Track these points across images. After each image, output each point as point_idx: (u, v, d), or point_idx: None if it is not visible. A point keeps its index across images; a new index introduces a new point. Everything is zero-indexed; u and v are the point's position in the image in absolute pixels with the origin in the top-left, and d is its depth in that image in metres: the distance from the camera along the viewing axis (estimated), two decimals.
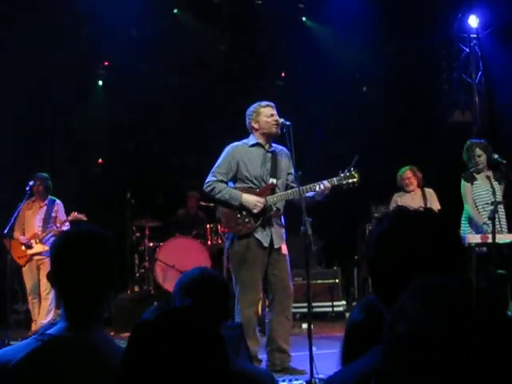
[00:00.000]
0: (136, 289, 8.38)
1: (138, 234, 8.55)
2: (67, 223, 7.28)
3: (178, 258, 7.70)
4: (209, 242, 8.39)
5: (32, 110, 8.83)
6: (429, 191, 7.25)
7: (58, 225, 7.28)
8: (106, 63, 9.62)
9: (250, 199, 4.96)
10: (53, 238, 7.18)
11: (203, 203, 8.76)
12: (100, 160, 10.27)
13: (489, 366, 0.96)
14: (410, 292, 1.07)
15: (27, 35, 8.28)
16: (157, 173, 9.74)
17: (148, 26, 8.79)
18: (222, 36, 9.60)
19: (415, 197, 7.18)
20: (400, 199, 7.25)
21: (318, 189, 4.86)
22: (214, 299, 2.06)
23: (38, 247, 7.21)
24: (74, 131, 9.10)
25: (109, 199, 9.18)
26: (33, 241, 7.22)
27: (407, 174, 7.27)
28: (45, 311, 7.08)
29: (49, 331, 1.81)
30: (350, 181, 4.97)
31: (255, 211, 4.94)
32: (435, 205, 7.03)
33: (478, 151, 6.14)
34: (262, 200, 4.96)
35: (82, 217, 7.22)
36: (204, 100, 9.59)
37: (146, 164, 9.66)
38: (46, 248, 7.09)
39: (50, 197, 7.41)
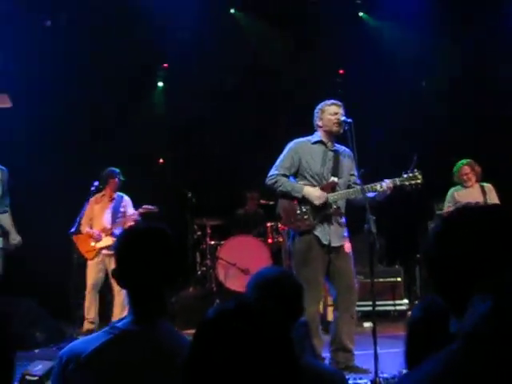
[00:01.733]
0: (198, 287, 8.47)
1: (199, 233, 8.65)
2: (137, 216, 7.34)
3: (239, 257, 7.77)
4: (269, 240, 8.41)
5: (95, 111, 9.05)
6: (488, 186, 6.98)
7: (127, 217, 7.35)
8: (166, 65, 9.76)
9: (312, 192, 4.97)
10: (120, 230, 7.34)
11: (263, 201, 8.80)
12: (161, 160, 10.44)
13: None
14: None
15: (89, 36, 8.52)
16: (217, 172, 9.82)
17: (205, 27, 8.87)
18: (280, 35, 9.59)
19: (474, 192, 6.91)
20: (457, 194, 7.04)
21: (379, 188, 4.83)
22: (288, 299, 2.06)
23: (107, 240, 7.25)
24: (135, 131, 9.26)
25: (170, 198, 9.31)
26: (102, 234, 7.29)
27: (465, 169, 7.03)
28: (120, 307, 7.11)
29: (117, 324, 1.87)
30: (413, 182, 4.89)
31: (317, 203, 4.93)
32: (494, 201, 6.79)
33: None
34: (324, 194, 4.95)
35: (154, 208, 7.30)
36: (263, 100, 9.61)
37: (207, 163, 9.75)
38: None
39: (117, 192, 7.51)
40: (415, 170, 4.90)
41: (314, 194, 4.96)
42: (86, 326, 7.15)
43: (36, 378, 4.78)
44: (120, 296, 7.15)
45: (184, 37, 8.89)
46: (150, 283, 1.87)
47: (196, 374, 1.21)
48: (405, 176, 4.89)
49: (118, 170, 7.41)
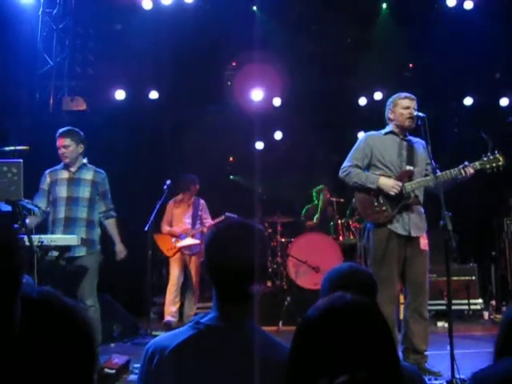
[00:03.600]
0: (269, 284, 8.51)
1: (269, 230, 8.69)
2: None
3: (309, 254, 7.76)
4: (340, 238, 8.36)
5: (167, 111, 9.23)
6: None
7: (205, 223, 7.60)
8: (234, 63, 9.83)
9: (387, 182, 4.86)
10: (199, 235, 7.55)
11: (333, 198, 8.76)
12: (231, 158, 10.54)
13: None
14: None
15: (157, 39, 8.69)
16: (287, 169, 9.83)
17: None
18: (344, 29, 9.48)
19: None
20: None
21: (459, 174, 4.69)
22: (362, 292, 2.04)
23: (189, 240, 7.53)
24: (205, 130, 9.38)
25: (240, 196, 9.39)
26: (188, 233, 7.56)
27: None
28: (192, 303, 7.47)
29: (202, 320, 1.88)
30: (495, 164, 4.70)
31: (392, 193, 4.83)
32: None
33: None
34: (399, 183, 4.84)
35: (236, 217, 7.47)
36: (332, 94, 9.55)
37: (276, 161, 9.77)
38: (197, 241, 7.45)
39: (194, 196, 7.76)
40: (496, 152, 4.72)
41: (389, 183, 4.85)
42: (168, 317, 7.33)
43: (113, 371, 4.94)
44: (193, 292, 7.37)
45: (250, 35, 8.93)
46: (239, 280, 1.86)
47: (302, 373, 1.22)
48: (485, 159, 4.72)
49: (197, 177, 7.64)
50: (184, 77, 8.92)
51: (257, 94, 9.41)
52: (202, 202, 7.75)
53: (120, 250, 5.80)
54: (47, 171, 5.54)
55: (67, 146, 5.43)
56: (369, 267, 5.00)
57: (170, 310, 7.40)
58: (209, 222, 7.59)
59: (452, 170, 4.73)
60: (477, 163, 4.73)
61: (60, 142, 5.44)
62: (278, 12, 8.97)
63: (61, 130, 5.47)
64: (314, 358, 1.20)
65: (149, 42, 8.51)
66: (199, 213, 7.67)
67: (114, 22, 8.92)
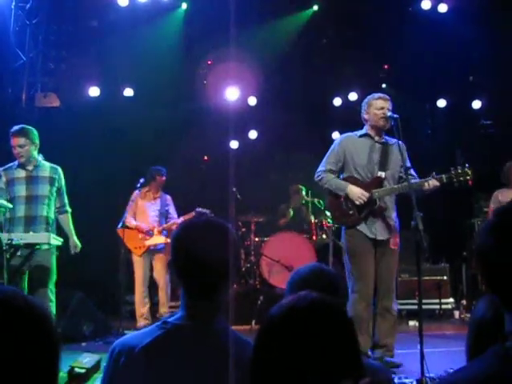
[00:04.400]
0: (242, 283, 8.51)
1: (243, 229, 8.69)
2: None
3: (283, 253, 7.77)
4: (314, 237, 8.39)
5: (142, 109, 9.17)
6: None
7: (172, 219, 7.49)
8: (210, 62, 9.80)
9: (354, 191, 4.95)
10: (165, 232, 7.47)
11: (307, 198, 8.79)
12: (206, 157, 10.52)
13: None
14: None
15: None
16: (261, 168, 9.84)
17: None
18: (324, 30, 9.53)
19: None
20: (501, 195, 6.96)
21: (426, 186, 4.76)
22: (324, 292, 2.04)
23: (158, 238, 7.40)
24: (179, 129, 9.34)
25: (214, 195, 9.37)
26: (154, 230, 7.41)
27: None
28: (163, 301, 7.33)
29: (170, 319, 1.88)
30: (462, 178, 4.74)
31: (357, 202, 4.93)
32: None
33: None
34: (366, 194, 4.92)
35: (208, 212, 7.40)
36: (307, 95, 9.58)
37: (250, 160, 9.76)
38: (167, 240, 7.32)
39: (161, 191, 7.67)
40: (465, 166, 4.75)
41: (356, 192, 4.95)
42: (141, 321, 7.24)
43: (84, 371, 4.89)
44: (163, 291, 7.29)
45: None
46: (206, 278, 1.85)
47: (265, 371, 1.22)
48: (453, 172, 4.76)
49: (164, 169, 7.54)
50: (159, 74, 8.86)
51: (232, 93, 9.40)
52: (168, 197, 7.65)
53: (73, 244, 5.70)
54: (1, 169, 5.47)
55: (23, 146, 5.36)
56: (346, 266, 5.09)
57: (141, 311, 7.34)
58: (175, 218, 7.49)
59: (420, 181, 4.80)
60: (444, 176, 4.78)
61: (15, 141, 5.36)
62: (255, 11, 8.96)
63: (14, 129, 5.38)
64: (276, 356, 1.20)
65: (124, 39, 8.45)
66: (166, 208, 7.57)
67: (89, 18, 8.84)
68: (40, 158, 5.55)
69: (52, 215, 5.51)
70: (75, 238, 5.72)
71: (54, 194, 5.52)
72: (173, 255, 1.94)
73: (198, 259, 1.84)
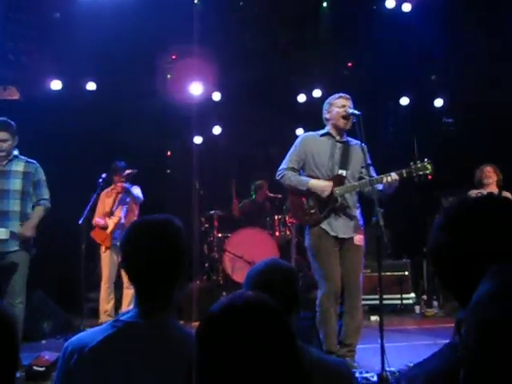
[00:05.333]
0: (205, 279, 8.49)
1: (206, 225, 8.67)
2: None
3: (246, 249, 7.78)
4: (277, 233, 8.41)
5: (104, 103, 9.06)
6: (506, 194, 7.08)
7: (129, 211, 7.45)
8: (174, 56, 9.72)
9: (317, 184, 4.97)
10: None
11: (271, 194, 8.81)
12: (169, 152, 10.45)
13: None
14: (497, 277, 1.01)
15: None
16: (225, 164, 9.82)
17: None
18: (286, 28, 9.53)
19: None
20: (475, 194, 7.10)
21: (385, 181, 4.77)
22: (282, 290, 2.04)
23: (111, 221, 7.40)
24: (142, 124, 9.26)
25: (177, 190, 9.32)
26: (106, 219, 7.40)
27: (488, 168, 7.21)
28: (128, 299, 7.18)
29: (123, 318, 1.87)
30: (422, 172, 4.76)
31: (323, 195, 4.94)
32: None
33: None
34: (329, 184, 4.94)
35: (133, 171, 7.42)
36: (271, 91, 9.58)
37: (214, 155, 9.74)
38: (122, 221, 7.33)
39: (128, 184, 7.58)
40: (425, 160, 4.78)
41: (319, 185, 4.97)
42: (104, 318, 7.16)
43: (43, 369, 4.83)
44: (129, 289, 7.21)
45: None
46: (156, 278, 1.86)
47: (204, 369, 1.21)
48: (413, 167, 4.77)
49: (123, 164, 7.48)
50: (123, 68, 8.76)
51: (196, 88, 9.34)
52: (134, 187, 7.53)
53: (23, 230, 5.29)
54: None
55: (5, 140, 5.26)
56: (311, 263, 5.11)
57: (105, 308, 7.28)
58: (132, 210, 7.44)
59: (379, 177, 4.81)
60: (404, 171, 4.79)
61: None
62: (220, 6, 8.93)
63: None
64: (215, 354, 1.20)
65: (87, 32, 8.31)
66: (128, 199, 7.49)
67: (51, 10, 8.67)
68: (16, 152, 5.43)
69: (29, 210, 5.38)
70: (30, 225, 5.36)
71: (30, 190, 5.39)
72: (122, 254, 1.94)
73: (146, 259, 1.85)
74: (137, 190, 7.50)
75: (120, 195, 7.49)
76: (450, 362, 1.33)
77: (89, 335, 1.84)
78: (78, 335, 1.89)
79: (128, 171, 7.37)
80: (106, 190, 7.49)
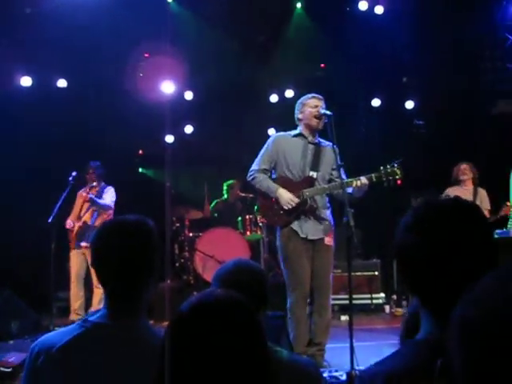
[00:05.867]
0: (175, 279, 8.45)
1: (177, 225, 8.63)
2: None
3: (217, 249, 7.76)
4: (248, 233, 8.41)
5: (75, 100, 8.97)
6: (482, 191, 7.34)
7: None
8: (147, 54, 9.65)
9: (283, 196, 4.98)
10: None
11: (242, 194, 8.80)
12: (140, 151, 10.38)
13: None
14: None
15: None
16: (197, 163, 9.79)
17: None
18: (260, 29, 9.54)
19: (466, 192, 7.20)
20: (451, 192, 7.23)
21: (354, 185, 4.80)
22: (250, 289, 2.05)
23: (77, 224, 7.40)
24: (113, 122, 9.18)
25: (149, 190, 9.27)
26: (73, 221, 7.41)
27: (464, 165, 7.40)
28: (98, 298, 7.15)
29: (91, 318, 1.86)
30: (391, 177, 4.79)
31: (285, 207, 4.96)
32: (485, 205, 7.08)
33: None
34: (295, 200, 4.95)
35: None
36: (244, 91, 9.58)
37: (186, 155, 9.70)
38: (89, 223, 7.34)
39: (103, 183, 7.60)
40: (395, 165, 4.80)
41: (285, 197, 4.97)
42: (73, 316, 7.15)
43: (10, 370, 4.76)
44: (99, 288, 7.15)
45: None
46: (127, 277, 1.85)
47: (173, 368, 1.21)
48: (382, 171, 4.82)
49: (97, 163, 7.45)
50: (94, 66, 8.68)
51: (168, 87, 9.29)
52: (108, 188, 7.58)
53: None
54: None
55: None
56: (281, 264, 5.12)
57: (74, 306, 7.28)
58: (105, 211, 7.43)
59: (349, 180, 4.84)
60: (373, 175, 4.82)
61: None
62: (194, 5, 8.90)
63: None
64: (184, 353, 1.20)
65: (59, 29, 8.21)
66: (100, 200, 7.48)
67: (22, 5, 8.54)
68: None
69: None
70: None
71: None
72: (92, 256, 1.93)
73: (117, 260, 1.84)
74: (107, 195, 7.52)
75: (87, 203, 7.48)
76: (409, 361, 1.35)
77: (56, 335, 1.82)
78: (46, 336, 1.87)
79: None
80: (80, 192, 7.45)
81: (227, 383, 1.19)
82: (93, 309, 7.16)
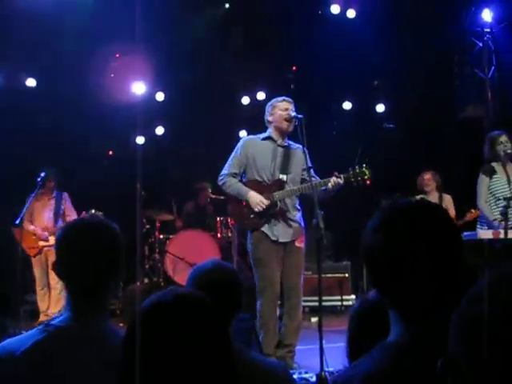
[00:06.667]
0: (146, 280, 8.39)
1: (148, 226, 8.57)
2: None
3: (187, 251, 7.72)
4: (218, 235, 8.39)
5: (44, 100, 8.84)
6: (447, 197, 7.46)
7: (68, 219, 7.35)
8: (118, 55, 9.56)
9: (253, 198, 4.99)
10: None
11: (213, 196, 8.78)
12: (110, 152, 10.28)
13: None
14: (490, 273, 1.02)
15: None
16: (168, 165, 9.74)
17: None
18: (233, 29, 9.53)
19: (431, 199, 7.25)
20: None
21: (324, 185, 4.83)
22: (225, 291, 2.05)
23: (52, 240, 7.25)
24: (83, 122, 9.08)
25: (118, 191, 9.17)
26: (46, 233, 7.34)
27: (427, 175, 7.53)
28: (54, 300, 7.20)
29: (54, 322, 1.83)
30: (360, 178, 4.84)
31: (256, 210, 4.97)
32: (450, 211, 7.15)
33: (505, 138, 6.01)
34: (265, 201, 4.96)
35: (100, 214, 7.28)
36: (215, 92, 9.56)
37: (156, 156, 9.64)
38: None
39: (56, 190, 7.56)
40: (363, 166, 4.84)
41: (255, 200, 4.98)
42: (42, 317, 7.11)
43: None
44: (55, 290, 7.14)
45: None
46: (89, 280, 1.83)
47: (131, 367, 1.19)
48: (351, 172, 4.85)
49: (54, 170, 7.38)
50: (64, 65, 8.58)
51: (139, 88, 9.20)
52: (65, 195, 7.55)
53: None
54: None
55: None
56: (252, 267, 5.13)
57: (42, 308, 7.29)
58: (73, 217, 7.34)
59: (318, 182, 4.87)
60: (342, 176, 4.85)
61: None
62: (166, 5, 8.84)
63: None
64: (141, 351, 1.18)
65: (27, 26, 8.09)
66: (62, 207, 7.47)
67: None
68: None
69: None
70: None
71: None
72: (56, 256, 1.91)
73: (79, 260, 1.82)
74: (68, 203, 7.55)
75: (51, 202, 7.46)
76: (384, 363, 1.35)
77: (17, 341, 1.79)
78: (5, 342, 1.83)
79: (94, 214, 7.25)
80: (36, 193, 7.27)
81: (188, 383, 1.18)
82: (50, 310, 7.16)
